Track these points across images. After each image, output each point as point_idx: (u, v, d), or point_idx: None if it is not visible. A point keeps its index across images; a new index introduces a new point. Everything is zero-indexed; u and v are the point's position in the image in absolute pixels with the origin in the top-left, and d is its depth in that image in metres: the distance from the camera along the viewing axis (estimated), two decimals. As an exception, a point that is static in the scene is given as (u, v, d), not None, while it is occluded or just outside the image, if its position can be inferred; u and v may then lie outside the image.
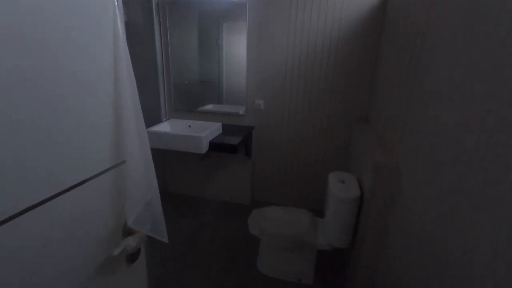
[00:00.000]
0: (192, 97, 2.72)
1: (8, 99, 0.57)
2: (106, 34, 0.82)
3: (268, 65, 2.37)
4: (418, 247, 1.01)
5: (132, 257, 1.02)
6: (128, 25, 2.37)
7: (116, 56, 0.84)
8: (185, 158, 2.80)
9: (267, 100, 2.48)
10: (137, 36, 2.43)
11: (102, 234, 0.88)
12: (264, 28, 2.29)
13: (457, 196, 0.78)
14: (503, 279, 0.57)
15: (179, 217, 2.53)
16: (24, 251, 0.64)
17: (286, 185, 2.69)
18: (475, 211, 0.69)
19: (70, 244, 0.77)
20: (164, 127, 2.53)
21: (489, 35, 0.70)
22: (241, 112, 2.57)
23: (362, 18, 2.07)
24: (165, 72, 2.63)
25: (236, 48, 2.44)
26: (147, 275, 1.18)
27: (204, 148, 2.19)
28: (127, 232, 0.95)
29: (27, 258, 0.65)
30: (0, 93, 0.55)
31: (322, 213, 1.98)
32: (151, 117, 2.56)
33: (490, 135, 0.65)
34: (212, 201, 2.84)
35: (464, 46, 0.82)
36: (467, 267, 0.70)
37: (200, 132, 2.24)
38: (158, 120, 2.63)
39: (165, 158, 2.90)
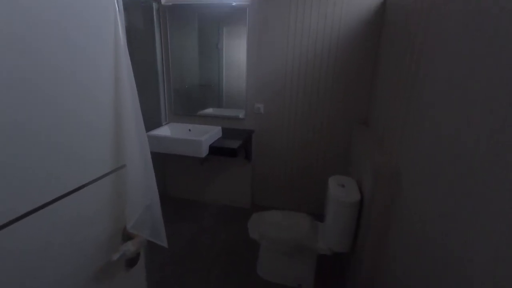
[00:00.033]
0: (192, 101, 2.73)
1: (8, 104, 0.57)
2: (107, 39, 0.82)
3: (268, 69, 2.38)
4: (418, 248, 1.00)
5: (131, 261, 1.01)
6: (128, 29, 2.38)
7: (117, 60, 0.85)
8: (185, 162, 2.80)
9: (267, 104, 2.48)
10: (138, 40, 2.44)
11: (102, 238, 0.88)
12: (264, 32, 2.30)
13: (457, 196, 0.78)
14: (503, 279, 0.57)
15: (179, 221, 2.52)
16: (24, 255, 0.64)
17: (286, 188, 2.69)
18: (475, 211, 0.69)
19: (70, 248, 0.77)
20: (164, 131, 2.53)
21: (487, 41, 0.71)
22: (241, 115, 2.57)
23: (361, 22, 2.09)
24: (165, 76, 2.64)
25: (236, 52, 2.45)
26: (146, 280, 1.17)
27: (204, 152, 2.19)
28: (127, 236, 0.95)
29: (27, 262, 0.64)
30: (1, 98, 0.55)
31: (322, 217, 1.97)
32: (151, 121, 2.57)
33: (490, 135, 0.66)
34: (212, 205, 2.83)
35: (462, 52, 0.83)
36: (467, 268, 0.70)
37: (200, 136, 2.24)
38: (158, 124, 2.63)
39: (165, 162, 2.90)
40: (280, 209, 2.10)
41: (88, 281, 0.84)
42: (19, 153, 0.60)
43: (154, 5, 2.40)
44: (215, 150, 2.24)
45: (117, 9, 0.85)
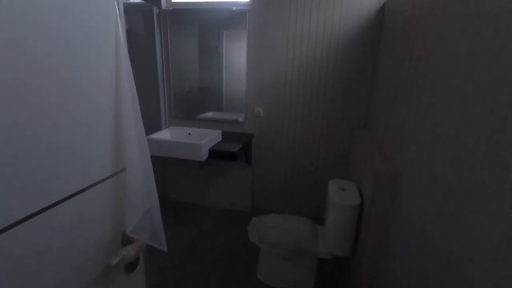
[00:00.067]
0: (192, 105, 2.73)
1: (9, 107, 0.57)
2: (108, 42, 0.83)
3: (268, 73, 2.39)
4: (418, 249, 1.00)
5: (131, 266, 1.01)
6: (129, 34, 2.38)
7: (117, 64, 0.85)
8: (185, 165, 2.79)
9: (267, 108, 2.49)
10: (138, 44, 2.46)
11: (102, 243, 0.88)
12: (264, 36, 2.31)
13: (456, 197, 0.79)
14: (503, 279, 0.57)
15: (179, 225, 2.52)
16: (24, 259, 0.64)
17: (286, 192, 2.69)
18: (475, 211, 0.69)
19: (70, 252, 0.76)
20: (164, 134, 2.53)
21: (486, 43, 0.71)
22: (241, 119, 2.57)
23: (360, 27, 2.10)
24: (165, 79, 2.65)
25: (236, 56, 2.46)
26: (146, 284, 1.17)
27: (203, 155, 2.19)
28: (126, 240, 0.95)
29: (27, 265, 0.64)
30: (1, 101, 0.55)
31: (322, 221, 1.97)
32: (151, 124, 2.57)
33: (490, 135, 0.66)
34: (212, 209, 2.82)
35: (461, 55, 0.83)
36: (467, 269, 0.70)
37: (200, 139, 2.24)
38: (158, 128, 2.63)
39: (165, 166, 2.90)
40: (280, 212, 2.09)
41: (87, 285, 0.84)
42: (19, 157, 0.60)
43: (155, 10, 2.42)
44: (215, 153, 2.24)
45: (118, 13, 0.85)
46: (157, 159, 2.25)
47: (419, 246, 1.00)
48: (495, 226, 0.61)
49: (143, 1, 2.32)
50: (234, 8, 2.31)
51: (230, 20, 2.40)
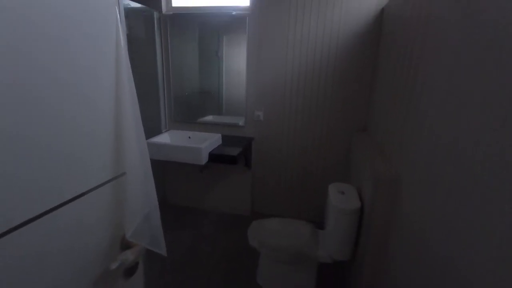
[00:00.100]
0: (192, 108, 2.74)
1: (8, 111, 0.57)
2: (108, 46, 0.83)
3: (268, 76, 2.40)
4: (418, 253, 1.00)
5: (130, 271, 1.00)
6: (129, 38, 2.40)
7: (118, 68, 0.86)
8: (184, 169, 2.79)
9: (267, 111, 2.49)
10: (139, 48, 2.47)
11: (101, 247, 0.88)
12: (264, 40, 2.32)
13: (456, 200, 0.78)
14: (503, 279, 0.57)
15: (178, 228, 2.51)
16: (23, 263, 0.63)
17: (286, 196, 2.68)
18: (475, 215, 0.69)
19: (69, 256, 0.76)
20: (164, 138, 2.53)
21: (485, 51, 0.71)
22: (240, 123, 2.58)
23: (360, 31, 2.11)
24: (165, 83, 2.66)
25: (236, 60, 2.47)
26: (145, 288, 1.16)
27: (203, 159, 2.19)
28: (125, 245, 0.95)
29: (26, 269, 0.64)
30: (1, 106, 0.55)
31: (322, 225, 1.96)
32: (151, 128, 2.57)
33: (490, 135, 0.66)
34: (212, 212, 2.82)
35: (461, 58, 0.83)
36: (467, 271, 0.70)
37: (199, 143, 2.24)
38: (158, 131, 2.63)
39: (165, 169, 2.89)
40: (280, 216, 2.09)
41: (86, 290, 0.84)
42: (18, 161, 0.60)
43: (155, 14, 2.43)
44: (215, 157, 2.24)
45: (119, 17, 0.86)
46: (157, 162, 2.25)
47: (419, 249, 1.00)
48: (495, 227, 0.61)
49: (144, 6, 2.34)
50: (234, 13, 2.33)
51: (230, 24, 2.41)
